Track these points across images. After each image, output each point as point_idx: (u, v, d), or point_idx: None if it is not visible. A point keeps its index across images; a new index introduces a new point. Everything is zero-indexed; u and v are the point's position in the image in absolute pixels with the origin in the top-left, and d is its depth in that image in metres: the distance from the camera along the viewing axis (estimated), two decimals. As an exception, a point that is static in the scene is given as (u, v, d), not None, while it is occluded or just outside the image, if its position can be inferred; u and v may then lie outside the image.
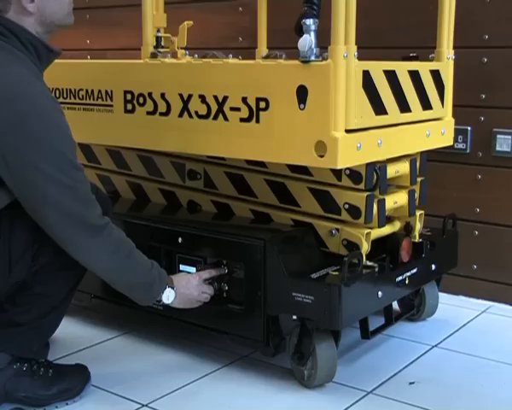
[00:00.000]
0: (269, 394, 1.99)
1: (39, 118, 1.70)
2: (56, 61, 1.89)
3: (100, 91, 2.29)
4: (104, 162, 2.56)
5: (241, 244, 2.05)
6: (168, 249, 2.21)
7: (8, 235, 1.77)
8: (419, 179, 2.24)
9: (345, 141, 1.83)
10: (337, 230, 2.07)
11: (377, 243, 2.17)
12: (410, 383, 2.05)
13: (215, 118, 2.02)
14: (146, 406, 1.93)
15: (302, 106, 1.86)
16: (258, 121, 1.94)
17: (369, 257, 2.08)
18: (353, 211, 2.02)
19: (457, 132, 2.68)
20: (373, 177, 2.00)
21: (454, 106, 2.63)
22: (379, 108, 1.96)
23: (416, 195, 2.23)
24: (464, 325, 2.49)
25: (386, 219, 2.26)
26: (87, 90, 2.33)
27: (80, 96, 2.35)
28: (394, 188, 2.19)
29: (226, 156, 2.15)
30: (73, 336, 2.33)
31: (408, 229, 2.26)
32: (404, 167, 2.17)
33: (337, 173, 2.02)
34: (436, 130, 2.25)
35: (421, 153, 2.25)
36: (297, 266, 2.01)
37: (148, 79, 2.17)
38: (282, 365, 2.09)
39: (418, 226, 2.27)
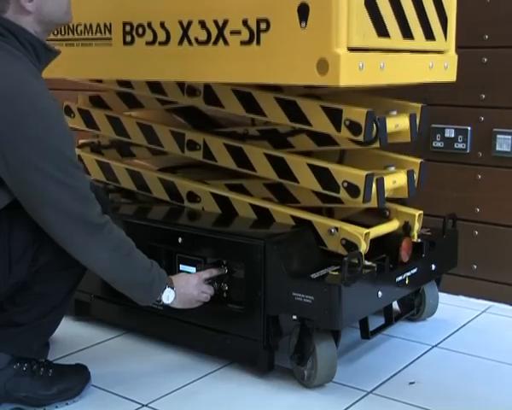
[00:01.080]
0: (269, 394, 1.99)
1: (39, 117, 1.70)
2: None
3: (98, 25, 2.26)
4: (103, 129, 2.55)
5: (241, 244, 2.05)
6: (168, 249, 2.21)
7: (8, 235, 1.77)
8: (418, 161, 2.21)
9: (347, 58, 1.80)
10: (336, 229, 2.07)
11: (377, 243, 2.18)
12: (410, 383, 2.05)
13: (215, 43, 1.99)
14: (146, 406, 1.93)
15: (303, 24, 1.83)
16: (258, 43, 1.91)
17: (369, 257, 2.08)
18: (352, 189, 2.01)
19: (457, 132, 2.68)
20: (372, 128, 1.96)
21: (454, 106, 2.64)
22: (381, 30, 1.92)
23: (416, 176, 2.20)
24: (464, 325, 2.49)
25: (384, 217, 2.27)
26: (85, 25, 2.30)
27: (78, 32, 2.32)
28: (393, 169, 2.17)
29: (227, 81, 2.09)
30: (73, 336, 2.33)
31: (406, 229, 2.25)
32: (403, 122, 2.12)
33: (336, 123, 1.99)
34: (439, 63, 2.21)
35: (422, 110, 2.18)
36: (297, 266, 2.01)
37: (148, 9, 2.14)
38: (282, 365, 2.09)
39: (417, 226, 2.26)
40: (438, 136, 2.72)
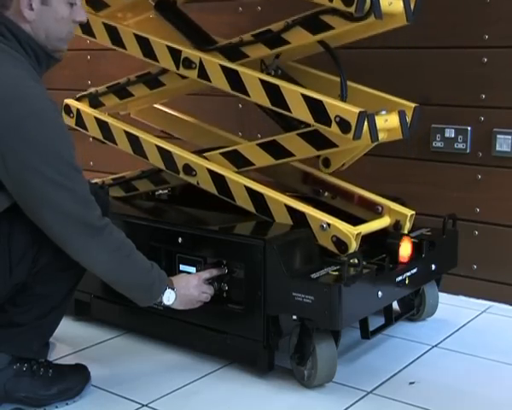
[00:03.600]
0: (269, 394, 1.99)
1: (37, 120, 1.70)
2: None
3: None
4: (100, 37, 2.50)
5: (241, 244, 2.05)
6: (168, 249, 2.21)
7: (8, 237, 1.77)
8: (412, 105, 2.20)
9: None
10: (328, 225, 2.07)
11: (377, 243, 2.18)
12: (410, 383, 2.05)
13: None
14: (146, 406, 1.93)
15: None
16: None
17: (369, 257, 2.09)
18: (343, 125, 2.00)
19: (457, 132, 2.68)
20: (365, 0, 1.95)
21: (454, 106, 2.63)
22: None
23: (408, 119, 2.18)
24: (464, 325, 2.49)
25: (377, 213, 2.28)
26: None
27: None
28: (384, 113, 2.15)
29: None
30: (73, 336, 2.33)
31: (397, 227, 2.26)
32: (397, 2, 2.07)
33: None
34: None
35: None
36: (297, 266, 2.01)
37: None
38: (282, 365, 2.09)
39: (408, 226, 2.27)
40: (438, 136, 2.72)
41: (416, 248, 2.26)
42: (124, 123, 2.53)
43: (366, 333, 2.09)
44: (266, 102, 2.16)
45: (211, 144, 2.48)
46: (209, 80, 2.26)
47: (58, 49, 1.86)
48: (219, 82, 2.24)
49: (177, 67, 2.32)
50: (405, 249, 2.19)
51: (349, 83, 2.18)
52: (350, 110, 2.00)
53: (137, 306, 1.95)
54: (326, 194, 2.40)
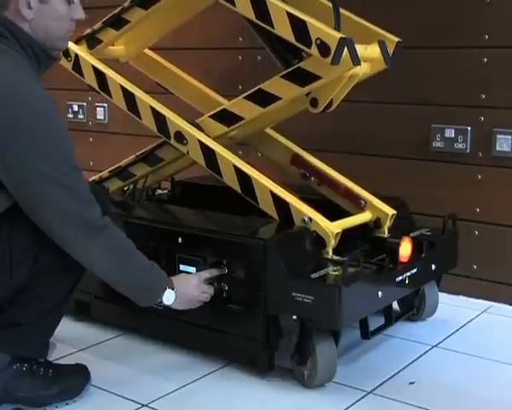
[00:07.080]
0: (269, 394, 1.99)
1: (37, 120, 1.70)
2: None
3: None
4: None
5: (241, 244, 2.05)
6: (168, 249, 2.21)
7: (9, 238, 1.77)
8: (396, 39, 2.20)
9: None
10: (310, 219, 2.07)
11: (377, 243, 2.18)
12: (410, 383, 2.05)
13: None
14: (146, 406, 1.93)
15: None
16: None
17: (369, 257, 2.09)
18: (323, 47, 1.99)
19: (457, 132, 2.68)
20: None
21: (454, 106, 2.63)
22: None
23: (390, 50, 2.18)
24: (464, 325, 2.49)
25: (359, 208, 2.28)
26: None
27: None
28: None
29: None
30: (73, 336, 2.33)
31: (377, 224, 2.27)
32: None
33: None
34: None
35: None
36: (297, 266, 2.01)
37: None
38: (282, 365, 2.09)
39: (387, 224, 2.28)
40: (438, 136, 2.72)
41: (416, 248, 2.25)
42: (121, 77, 2.47)
43: (366, 333, 2.10)
44: (251, 14, 2.14)
45: (203, 105, 2.46)
46: None
47: (58, 47, 1.86)
48: None
49: None
50: (405, 249, 2.19)
51: (342, 11, 2.16)
52: (331, 34, 1.99)
53: (137, 306, 1.95)
54: (313, 179, 2.40)
